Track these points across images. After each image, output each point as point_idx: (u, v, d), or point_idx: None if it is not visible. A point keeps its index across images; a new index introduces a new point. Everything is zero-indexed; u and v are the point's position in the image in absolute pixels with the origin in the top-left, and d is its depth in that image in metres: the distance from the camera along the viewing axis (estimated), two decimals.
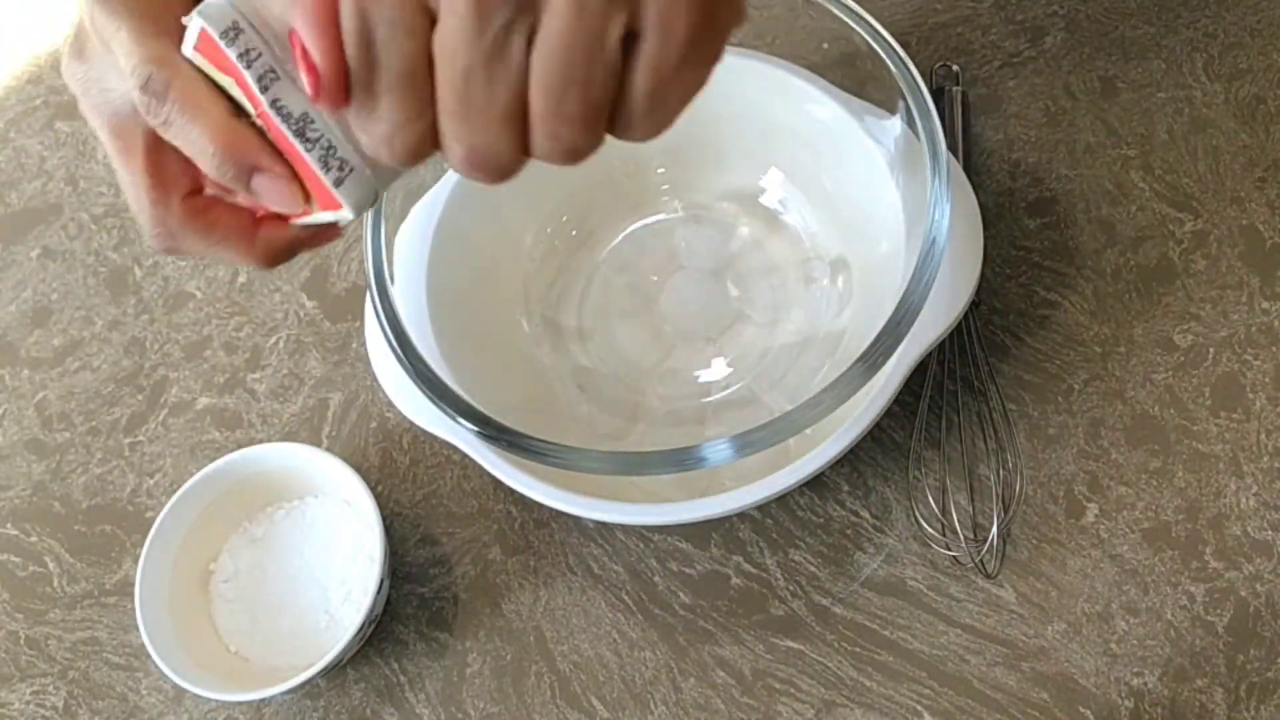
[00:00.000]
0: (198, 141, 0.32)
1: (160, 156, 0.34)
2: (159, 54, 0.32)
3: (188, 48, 0.32)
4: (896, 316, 0.44)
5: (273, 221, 0.35)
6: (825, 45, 0.54)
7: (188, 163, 0.34)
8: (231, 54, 0.29)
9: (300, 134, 0.30)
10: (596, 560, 0.55)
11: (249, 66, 0.30)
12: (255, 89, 0.30)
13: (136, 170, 0.34)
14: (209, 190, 0.36)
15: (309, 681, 0.50)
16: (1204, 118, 0.60)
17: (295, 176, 0.32)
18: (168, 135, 0.32)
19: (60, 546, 0.60)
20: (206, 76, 0.32)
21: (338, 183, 0.30)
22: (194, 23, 0.30)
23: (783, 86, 0.54)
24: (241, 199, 0.35)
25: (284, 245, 0.35)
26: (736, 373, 0.56)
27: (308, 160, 0.30)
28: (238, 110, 0.32)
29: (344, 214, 0.31)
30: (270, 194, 0.32)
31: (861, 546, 0.53)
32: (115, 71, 0.33)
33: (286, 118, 0.30)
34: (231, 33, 0.29)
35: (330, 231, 0.35)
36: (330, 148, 0.30)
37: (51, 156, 0.71)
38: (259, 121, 0.31)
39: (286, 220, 0.35)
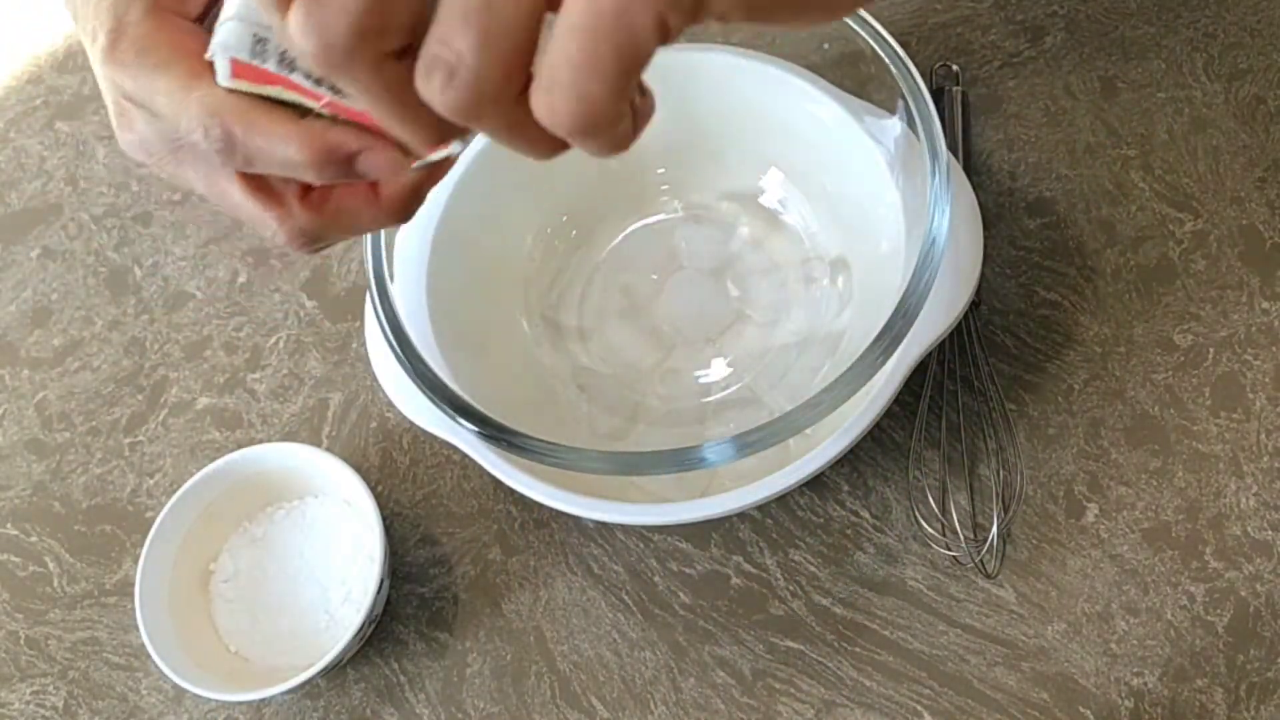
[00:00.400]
0: (285, 161, 0.31)
1: (257, 178, 0.34)
2: (202, 104, 0.31)
3: (224, 80, 0.31)
4: (896, 316, 0.44)
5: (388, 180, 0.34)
6: (825, 45, 0.54)
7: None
8: (270, 66, 0.29)
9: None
10: (596, 560, 0.55)
11: (292, 70, 0.30)
12: (309, 85, 0.30)
13: (245, 201, 0.34)
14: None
15: (309, 681, 0.50)
16: (1204, 118, 0.60)
17: (390, 142, 0.31)
18: (256, 169, 0.32)
19: (60, 546, 0.60)
20: (254, 95, 0.32)
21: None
22: (219, 58, 0.30)
23: (783, 86, 0.54)
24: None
25: (409, 194, 0.34)
26: (736, 373, 0.56)
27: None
28: (300, 112, 0.32)
29: (453, 148, 0.30)
30: (377, 168, 0.31)
31: (861, 546, 0.53)
32: (169, 128, 0.33)
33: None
34: (258, 47, 0.29)
35: (444, 165, 0.34)
36: None
37: (51, 156, 0.71)
38: (325, 110, 0.31)
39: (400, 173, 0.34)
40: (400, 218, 0.35)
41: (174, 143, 0.33)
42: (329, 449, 0.58)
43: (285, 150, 0.31)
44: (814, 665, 0.51)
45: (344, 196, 0.34)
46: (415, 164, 0.33)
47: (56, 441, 0.63)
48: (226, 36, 0.29)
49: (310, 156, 0.31)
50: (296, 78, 0.30)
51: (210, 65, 0.32)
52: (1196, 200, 0.58)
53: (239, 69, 0.30)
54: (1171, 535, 0.51)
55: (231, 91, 0.31)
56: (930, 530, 0.53)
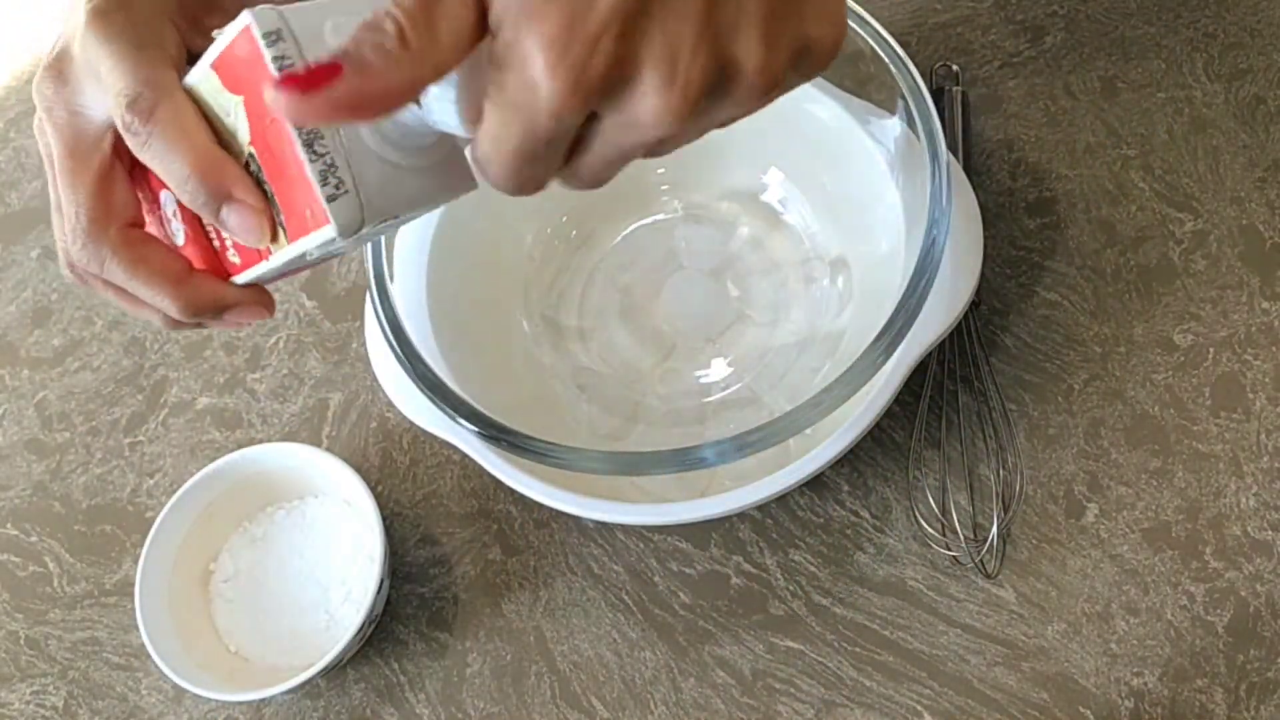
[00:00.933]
0: (175, 163, 0.32)
1: (110, 184, 0.35)
2: (150, 77, 0.33)
3: (204, 64, 0.32)
4: (896, 316, 0.44)
5: (207, 275, 0.35)
6: None
7: (134, 199, 0.35)
8: (268, 56, 0.30)
9: (308, 145, 0.30)
10: (596, 560, 0.55)
11: (279, 71, 0.30)
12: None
13: (83, 190, 0.35)
14: (150, 229, 0.36)
15: (309, 681, 0.50)
16: (1204, 118, 0.60)
17: (267, 211, 0.32)
18: (144, 155, 0.33)
19: (60, 546, 0.60)
20: (199, 108, 0.33)
21: (331, 199, 0.30)
22: (240, 19, 0.30)
23: None
24: (186, 243, 0.35)
25: (212, 300, 0.35)
26: (736, 373, 0.56)
27: (307, 172, 0.30)
28: (222, 143, 0.33)
29: (328, 231, 0.31)
30: (237, 225, 0.32)
31: (861, 546, 0.53)
32: (94, 95, 0.34)
33: (299, 129, 0.30)
34: (273, 36, 0.30)
35: (255, 310, 0.35)
36: (332, 165, 0.30)
37: None
38: (250, 148, 0.32)
39: (223, 277, 0.35)
40: (186, 310, 0.36)
41: (79, 109, 0.35)
42: (329, 449, 0.58)
43: (183, 153, 0.32)
44: (814, 665, 0.51)
45: (158, 253, 0.35)
46: (245, 275, 0.35)
47: (56, 441, 0.63)
48: (258, 12, 0.30)
49: (195, 172, 0.32)
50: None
51: (173, 63, 0.33)
52: (1196, 200, 0.58)
53: (237, 46, 0.31)
54: (1171, 535, 0.51)
55: (181, 90, 0.33)
56: (930, 530, 0.53)
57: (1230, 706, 0.48)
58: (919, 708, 0.50)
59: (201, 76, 0.33)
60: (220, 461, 0.55)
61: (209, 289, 0.35)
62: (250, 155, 0.32)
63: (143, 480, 0.61)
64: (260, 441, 0.58)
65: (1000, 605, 0.51)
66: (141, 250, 0.35)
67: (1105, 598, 0.51)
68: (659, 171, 0.60)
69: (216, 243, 0.36)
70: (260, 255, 0.34)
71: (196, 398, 0.62)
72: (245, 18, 0.30)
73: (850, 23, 0.49)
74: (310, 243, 0.32)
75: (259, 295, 0.35)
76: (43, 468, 0.62)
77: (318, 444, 0.60)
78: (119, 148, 0.35)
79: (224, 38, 0.31)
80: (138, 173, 0.36)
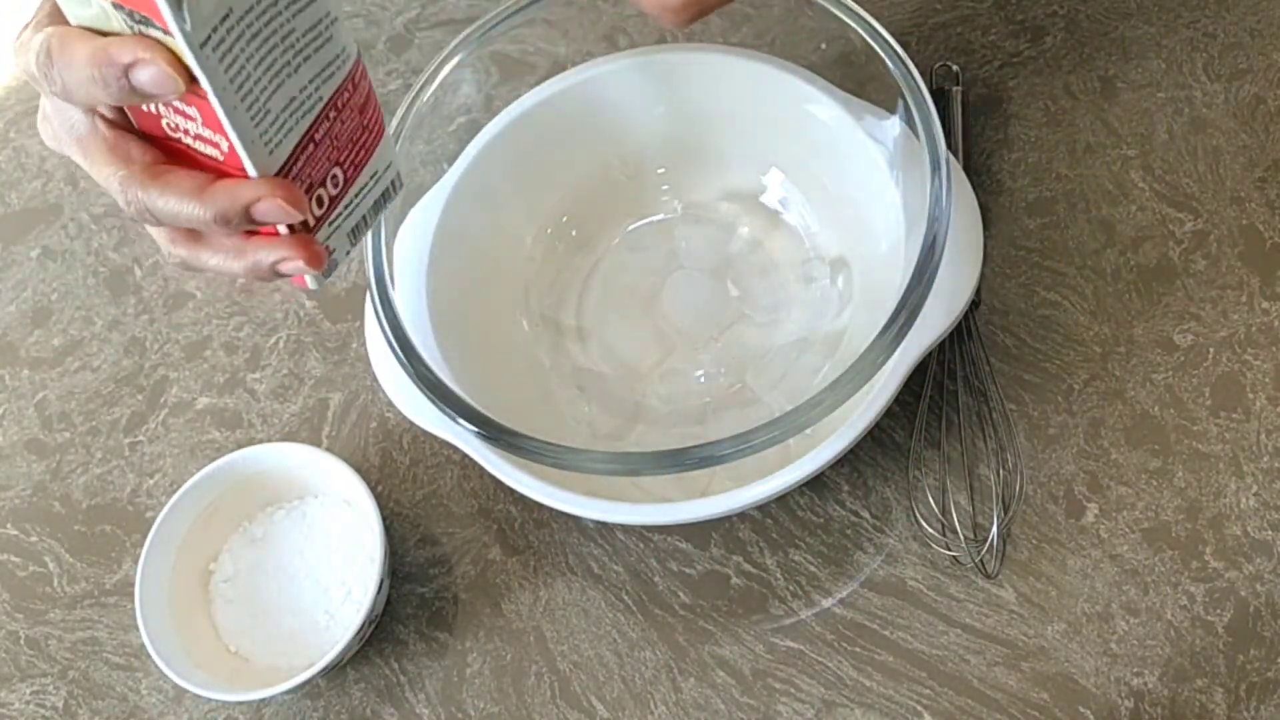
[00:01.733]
0: (78, 71, 0.34)
1: (117, 144, 0.37)
2: (48, 29, 0.35)
3: None
4: (896, 316, 0.44)
5: (227, 179, 0.36)
6: (825, 45, 0.54)
7: (143, 146, 0.37)
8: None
9: None
10: (596, 560, 0.55)
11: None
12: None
13: (102, 157, 0.37)
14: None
15: (309, 681, 0.50)
16: (1204, 118, 0.60)
17: (165, 52, 0.33)
18: (57, 91, 0.35)
19: (60, 546, 0.60)
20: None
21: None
22: None
23: (783, 86, 0.54)
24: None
25: (229, 198, 0.36)
26: (737, 373, 0.56)
27: None
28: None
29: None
30: (149, 80, 0.33)
31: (861, 546, 0.53)
32: (66, 105, 0.37)
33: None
34: None
35: (277, 204, 0.36)
36: None
37: (51, 156, 0.71)
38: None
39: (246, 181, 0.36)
40: (218, 219, 0.37)
41: (65, 118, 0.37)
42: (329, 449, 0.58)
43: (81, 59, 0.34)
44: (814, 665, 0.51)
45: (180, 175, 0.36)
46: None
47: (56, 441, 0.63)
48: None
49: (94, 65, 0.33)
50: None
51: None
52: (1196, 200, 0.58)
53: None
54: (1171, 535, 0.51)
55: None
56: (930, 530, 0.53)
57: (1230, 706, 0.48)
58: (919, 708, 0.50)
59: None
60: (220, 461, 0.55)
61: (226, 188, 0.36)
62: (117, 7, 0.33)
63: (143, 480, 0.61)
64: (260, 441, 0.58)
65: (1000, 605, 0.51)
66: (166, 176, 0.36)
67: (1105, 598, 0.51)
68: (659, 171, 0.60)
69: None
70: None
71: (196, 398, 0.62)
72: None
73: (850, 22, 0.49)
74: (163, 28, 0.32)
75: (277, 187, 0.36)
76: (43, 468, 0.62)
77: (318, 444, 0.60)
78: (101, 114, 0.37)
79: None
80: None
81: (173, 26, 0.31)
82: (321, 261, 0.38)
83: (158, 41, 0.32)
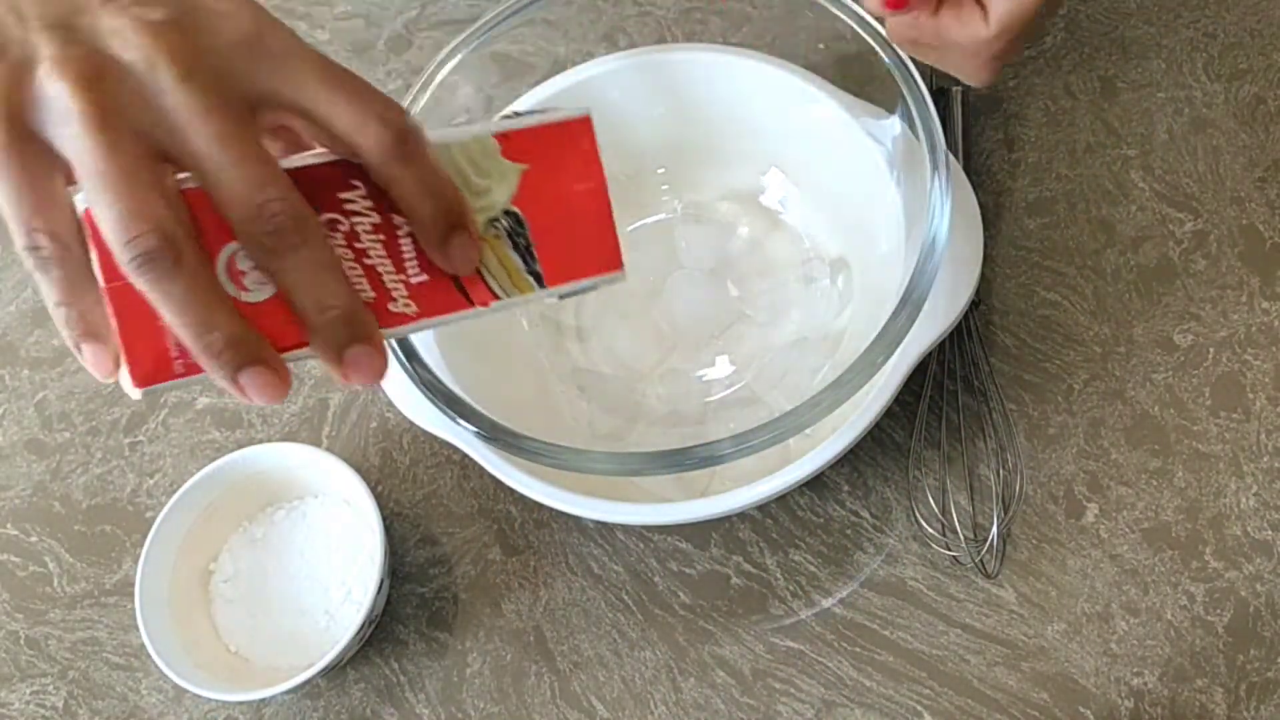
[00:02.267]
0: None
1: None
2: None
3: (470, 129, 0.36)
4: (896, 316, 0.44)
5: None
6: (825, 45, 0.54)
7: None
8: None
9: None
10: (596, 560, 0.55)
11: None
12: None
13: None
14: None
15: (309, 681, 0.50)
16: (1204, 118, 0.60)
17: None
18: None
19: (60, 546, 0.60)
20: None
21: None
22: (570, 110, 0.38)
23: (782, 86, 0.54)
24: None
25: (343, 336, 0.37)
26: (736, 373, 0.56)
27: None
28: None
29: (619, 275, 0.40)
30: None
31: (861, 546, 0.53)
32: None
33: None
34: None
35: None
36: None
37: None
38: (514, 207, 0.37)
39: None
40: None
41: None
42: (329, 449, 0.58)
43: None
44: (814, 665, 0.51)
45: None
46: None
47: (56, 441, 0.63)
48: None
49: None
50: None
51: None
52: (1196, 200, 0.58)
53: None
54: (1171, 535, 0.51)
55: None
56: (930, 530, 0.53)
57: (1230, 706, 0.48)
58: (919, 708, 0.50)
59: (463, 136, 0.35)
60: (220, 461, 0.55)
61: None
62: (509, 212, 0.36)
63: (143, 480, 0.61)
64: (260, 441, 0.58)
65: (1000, 605, 0.51)
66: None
67: (1105, 598, 0.51)
68: (659, 171, 0.60)
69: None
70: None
71: (196, 398, 0.62)
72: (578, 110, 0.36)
73: (850, 23, 0.49)
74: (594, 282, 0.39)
75: (378, 355, 0.36)
76: (43, 468, 0.62)
77: (318, 444, 0.60)
78: None
79: (535, 117, 0.36)
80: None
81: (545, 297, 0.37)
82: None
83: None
